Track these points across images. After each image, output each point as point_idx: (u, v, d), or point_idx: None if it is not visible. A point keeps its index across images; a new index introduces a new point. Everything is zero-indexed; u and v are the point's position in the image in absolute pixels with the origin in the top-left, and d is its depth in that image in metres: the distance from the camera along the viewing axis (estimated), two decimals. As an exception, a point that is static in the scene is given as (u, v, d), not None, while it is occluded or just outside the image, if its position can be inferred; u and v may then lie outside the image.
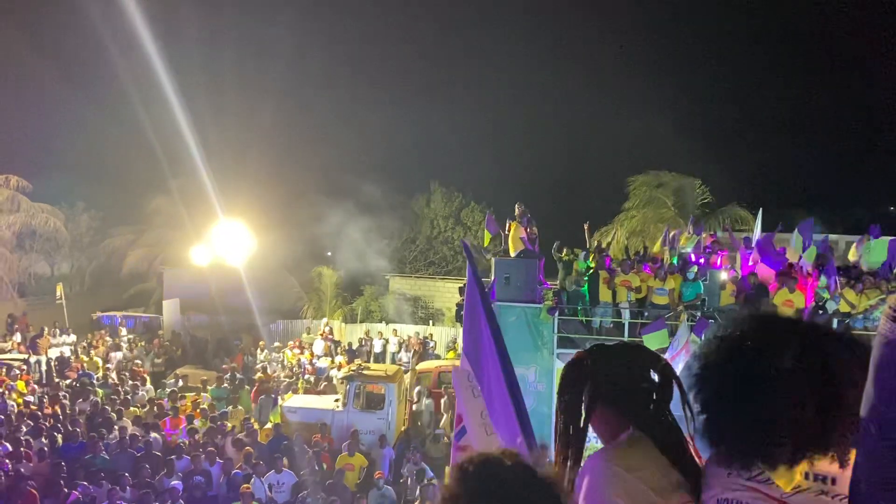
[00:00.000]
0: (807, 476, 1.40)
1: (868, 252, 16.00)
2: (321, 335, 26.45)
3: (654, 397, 1.97)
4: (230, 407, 18.30)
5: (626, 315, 14.88)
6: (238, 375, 21.78)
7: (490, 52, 42.44)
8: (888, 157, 35.20)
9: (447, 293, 31.42)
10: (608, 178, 32.21)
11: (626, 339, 14.65)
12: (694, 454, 1.95)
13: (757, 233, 18.08)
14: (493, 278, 15.00)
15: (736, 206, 28.08)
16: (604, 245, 25.77)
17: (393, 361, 24.97)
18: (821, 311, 14.64)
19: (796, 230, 16.13)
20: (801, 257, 15.94)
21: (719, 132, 38.87)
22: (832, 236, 19.23)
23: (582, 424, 2.02)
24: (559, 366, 14.67)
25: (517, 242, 15.22)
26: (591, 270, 15.74)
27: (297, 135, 33.92)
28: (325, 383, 20.85)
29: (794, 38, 40.50)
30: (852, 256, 16.57)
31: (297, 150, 32.80)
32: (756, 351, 1.43)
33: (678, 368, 2.09)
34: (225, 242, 28.65)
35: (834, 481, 1.38)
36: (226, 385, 20.23)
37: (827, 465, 1.39)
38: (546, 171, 36.89)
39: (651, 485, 1.79)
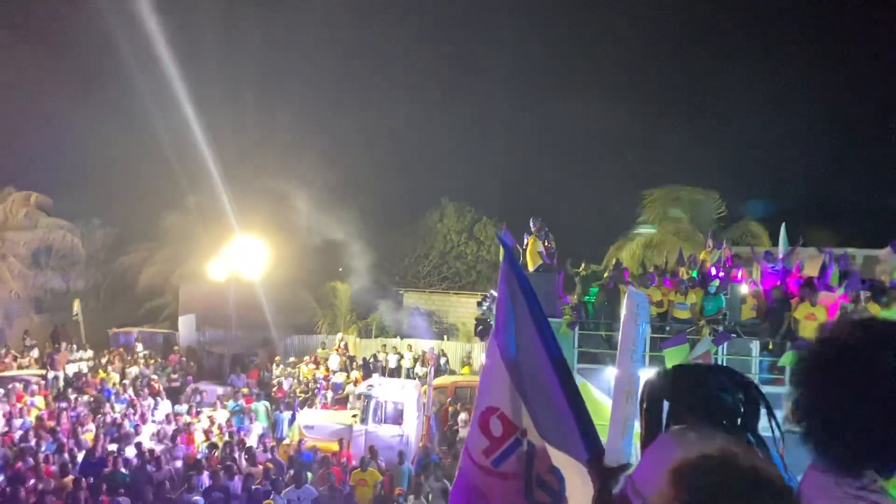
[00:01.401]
0: None
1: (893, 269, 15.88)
2: (336, 350, 26.44)
3: (739, 417, 1.97)
4: (247, 423, 18.27)
5: (647, 330, 14.75)
6: (255, 391, 21.77)
7: (501, 64, 42.55)
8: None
9: (461, 308, 31.38)
10: (623, 191, 32.15)
11: (647, 353, 14.55)
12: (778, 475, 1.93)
13: (782, 248, 17.94)
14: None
15: (750, 220, 27.96)
16: (619, 258, 25.70)
17: (408, 376, 24.91)
18: (844, 326, 14.50)
19: (817, 248, 16.00)
20: (822, 271, 15.82)
21: (734, 145, 38.74)
22: (850, 250, 19.05)
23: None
24: (580, 381, 14.58)
25: (535, 257, 15.17)
26: (606, 285, 15.68)
27: (312, 150, 34.03)
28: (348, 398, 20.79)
29: (812, 47, 40.42)
30: (882, 273, 16.41)
31: (312, 166, 32.87)
32: (867, 355, 1.38)
33: None
34: (241, 257, 28.73)
35: None
36: (242, 401, 20.21)
37: None
38: (560, 184, 36.85)
39: None
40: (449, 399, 20.88)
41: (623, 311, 3.21)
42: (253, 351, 27.54)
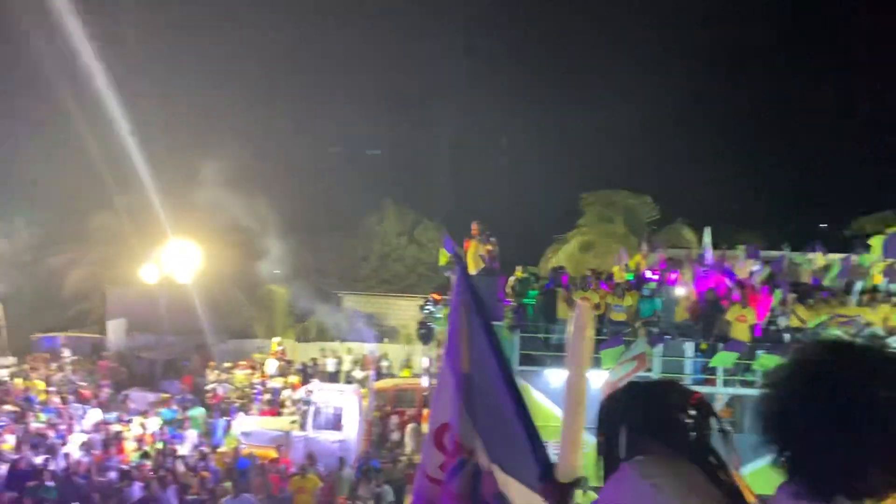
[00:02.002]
0: None
1: (827, 270, 16.60)
2: (273, 354, 25.98)
3: (694, 431, 1.97)
4: (181, 430, 17.78)
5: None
6: (188, 397, 21.19)
7: (444, 66, 42.63)
8: (828, 176, 36.62)
9: (401, 310, 31.29)
10: (562, 195, 32.66)
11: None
12: (742, 486, 1.96)
13: (707, 250, 18.53)
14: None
15: (681, 224, 28.77)
16: (557, 261, 26.09)
17: (348, 381, 24.67)
18: (772, 327, 15.06)
19: (746, 250, 16.58)
20: (751, 274, 16.41)
21: (667, 150, 39.80)
22: (776, 252, 19.81)
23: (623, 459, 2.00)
24: (521, 383, 14.71)
25: (477, 260, 15.25)
26: (549, 287, 15.90)
27: (247, 152, 33.35)
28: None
29: (743, 56, 41.90)
30: (806, 274, 17.09)
31: (247, 168, 32.23)
32: (844, 378, 1.40)
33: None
34: (173, 260, 27.92)
35: None
36: (175, 407, 19.64)
37: None
38: (500, 187, 37.12)
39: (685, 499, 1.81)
40: (389, 403, 20.78)
41: (570, 325, 3.23)
42: (186, 356, 26.80)
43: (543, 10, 44.43)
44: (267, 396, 22.42)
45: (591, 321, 2.87)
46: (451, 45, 42.53)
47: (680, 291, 15.93)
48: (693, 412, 2.00)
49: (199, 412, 19.51)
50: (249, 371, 24.66)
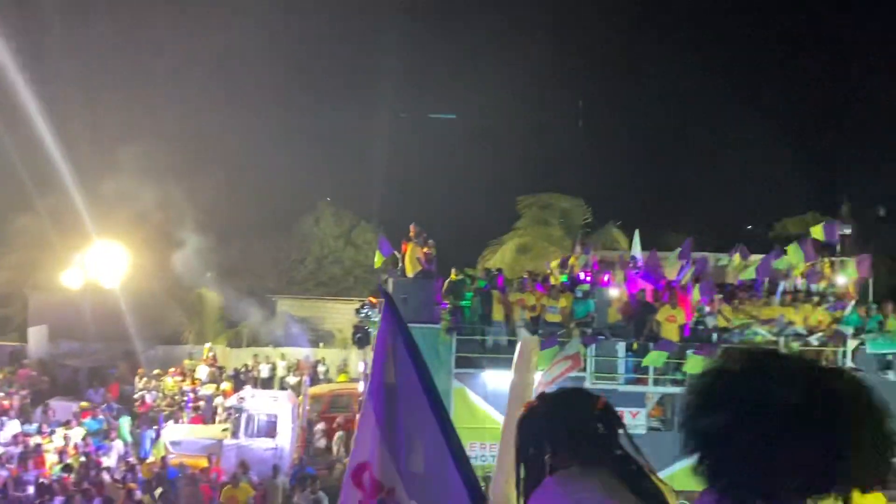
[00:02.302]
0: None
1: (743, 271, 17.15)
2: (204, 361, 25.33)
3: (604, 435, 2.00)
4: (107, 441, 17.13)
5: (521, 333, 15.11)
6: (115, 406, 20.45)
7: (378, 68, 42.44)
8: (754, 180, 38.01)
9: (337, 314, 30.94)
10: (498, 198, 32.94)
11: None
12: (659, 485, 1.97)
13: (637, 252, 18.95)
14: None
15: (612, 226, 29.42)
16: (494, 263, 26.28)
17: (282, 387, 24.25)
18: (700, 327, 15.50)
19: (678, 252, 17.00)
20: (679, 275, 16.86)
21: (600, 153, 40.62)
22: (702, 254, 20.42)
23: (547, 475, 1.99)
24: (457, 386, 14.73)
25: (414, 263, 15.20)
26: (484, 289, 15.96)
27: (176, 152, 32.43)
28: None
29: (670, 63, 43.06)
30: (731, 275, 17.64)
31: (177, 168, 31.34)
32: (763, 387, 1.41)
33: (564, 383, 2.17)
34: (98, 264, 26.93)
35: None
36: (101, 417, 18.92)
37: None
38: (438, 189, 37.14)
39: None
40: (325, 408, 20.52)
41: (515, 357, 3.20)
42: (112, 363, 25.85)
43: (474, 15, 44.78)
44: (198, 404, 21.83)
45: (535, 356, 2.84)
46: (393, 42, 42.35)
47: (612, 293, 16.24)
48: (603, 419, 2.02)
49: (125, 421, 18.84)
50: (179, 378, 23.96)
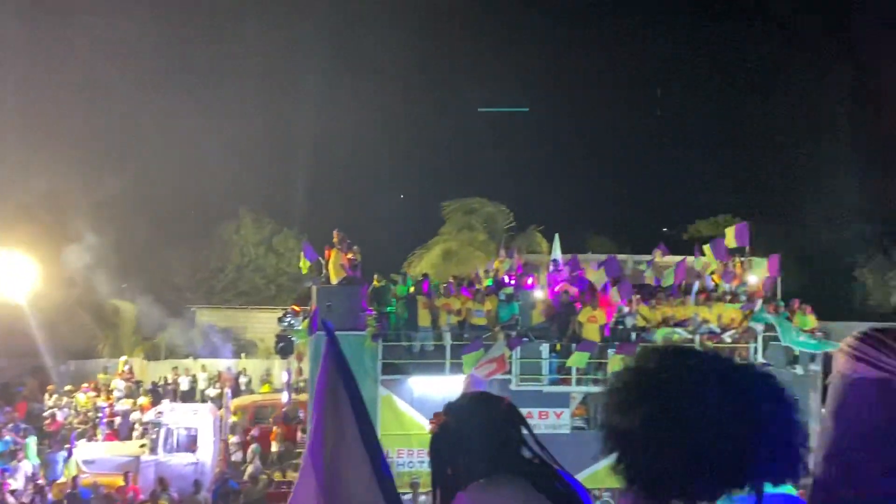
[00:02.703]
0: None
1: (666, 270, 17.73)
2: (120, 375, 24.33)
3: (513, 440, 1.99)
4: (14, 462, 16.21)
5: (447, 338, 15.17)
6: (22, 426, 19.38)
7: (301, 71, 41.81)
8: (669, 183, 39.38)
9: (260, 323, 30.29)
10: (423, 203, 32.99)
11: (448, 361, 14.95)
12: (569, 488, 1.99)
13: (558, 255, 19.32)
14: (314, 307, 14.68)
15: (535, 230, 29.92)
16: (419, 268, 26.28)
17: (203, 399, 23.55)
18: (620, 327, 15.92)
19: (596, 255, 17.41)
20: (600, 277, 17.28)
21: (520, 159, 41.25)
22: (621, 256, 20.99)
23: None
24: (384, 393, 14.64)
25: (339, 269, 15.03)
26: (410, 295, 15.95)
27: (88, 155, 31.12)
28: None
29: (589, 63, 44.11)
30: (650, 277, 18.17)
31: (90, 174, 30.06)
32: (676, 385, 1.43)
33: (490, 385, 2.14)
34: (2, 276, 25.49)
35: None
36: (7, 437, 17.90)
37: (746, 500, 1.41)
38: (361, 195, 36.93)
39: None
40: (249, 420, 20.03)
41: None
42: (20, 380, 24.50)
43: (391, 19, 44.74)
44: (113, 420, 20.94)
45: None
46: (313, 44, 41.84)
47: (536, 295, 16.49)
48: (510, 422, 2.01)
49: (32, 441, 17.88)
50: (93, 394, 22.95)
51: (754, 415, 1.38)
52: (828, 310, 18.25)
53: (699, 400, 1.39)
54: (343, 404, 2.63)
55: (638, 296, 16.53)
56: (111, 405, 22.04)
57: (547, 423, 14.87)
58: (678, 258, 17.98)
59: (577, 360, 15.06)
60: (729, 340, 15.75)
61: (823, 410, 1.42)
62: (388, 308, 15.70)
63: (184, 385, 24.39)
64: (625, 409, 1.46)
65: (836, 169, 33.12)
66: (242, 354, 28.64)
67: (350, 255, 15.33)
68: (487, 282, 17.32)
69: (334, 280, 15.11)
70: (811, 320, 16.66)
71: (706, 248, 17.65)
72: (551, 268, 17.95)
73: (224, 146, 38.31)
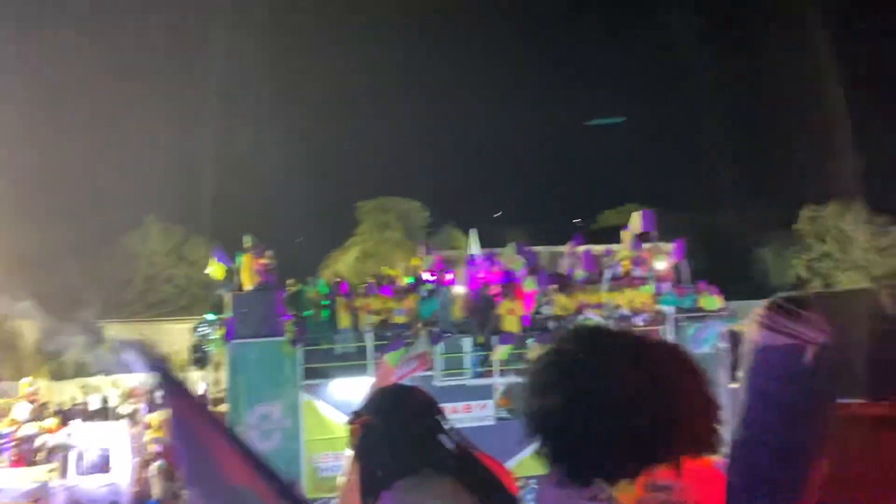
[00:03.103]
0: (647, 488, 1.44)
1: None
2: (24, 397, 23.01)
3: (436, 431, 1.97)
4: None
5: (369, 338, 15.06)
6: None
7: (210, 75, 40.61)
8: (578, 176, 40.44)
9: (173, 335, 29.24)
10: (341, 203, 32.63)
11: (370, 362, 14.85)
12: (504, 479, 1.99)
13: (475, 250, 19.50)
14: (230, 315, 14.28)
15: (452, 226, 30.14)
16: (337, 270, 26.00)
17: (115, 418, 22.58)
18: (538, 316, 16.21)
19: (513, 248, 17.65)
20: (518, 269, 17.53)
21: (436, 156, 41.43)
22: (537, 248, 21.37)
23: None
24: (305, 398, 14.40)
25: (252, 275, 14.67)
26: (327, 297, 15.74)
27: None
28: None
29: (502, 61, 44.73)
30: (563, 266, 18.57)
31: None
32: (592, 365, 1.44)
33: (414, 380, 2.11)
34: None
35: (673, 490, 1.43)
36: None
37: (666, 475, 1.43)
38: (275, 199, 36.16)
39: None
40: (166, 436, 19.29)
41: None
42: None
43: (301, 20, 44.09)
44: (18, 446, 19.77)
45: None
46: (223, 48, 40.64)
47: (456, 290, 16.58)
48: (429, 413, 1.98)
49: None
50: (-5, 419, 21.61)
51: (669, 389, 1.41)
52: (733, 290, 19.11)
53: (615, 377, 1.41)
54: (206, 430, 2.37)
55: (555, 285, 16.88)
56: (14, 430, 20.81)
57: (472, 416, 14.99)
58: (596, 247, 18.46)
59: (501, 353, 15.26)
60: (641, 324, 16.29)
61: (738, 380, 1.47)
62: (306, 312, 15.42)
63: (94, 404, 23.35)
64: (544, 391, 1.46)
65: (734, 155, 34.78)
66: (156, 368, 27.58)
67: (264, 260, 14.98)
68: (407, 279, 17.30)
69: (248, 286, 14.74)
70: (717, 300, 17.43)
71: (624, 233, 18.15)
72: (470, 263, 18.09)
73: (127, 152, 36.83)
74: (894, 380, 1.39)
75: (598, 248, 18.93)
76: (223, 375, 18.28)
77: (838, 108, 26.10)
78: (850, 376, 1.37)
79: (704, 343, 16.24)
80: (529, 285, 16.24)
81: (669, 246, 18.80)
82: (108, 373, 26.15)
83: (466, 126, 43.82)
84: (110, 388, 24.24)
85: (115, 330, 29.86)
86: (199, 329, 15.54)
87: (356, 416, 2.02)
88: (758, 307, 1.43)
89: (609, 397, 1.39)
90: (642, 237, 18.61)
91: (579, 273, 17.42)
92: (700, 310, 17.22)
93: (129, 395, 23.74)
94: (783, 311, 1.39)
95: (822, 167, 28.48)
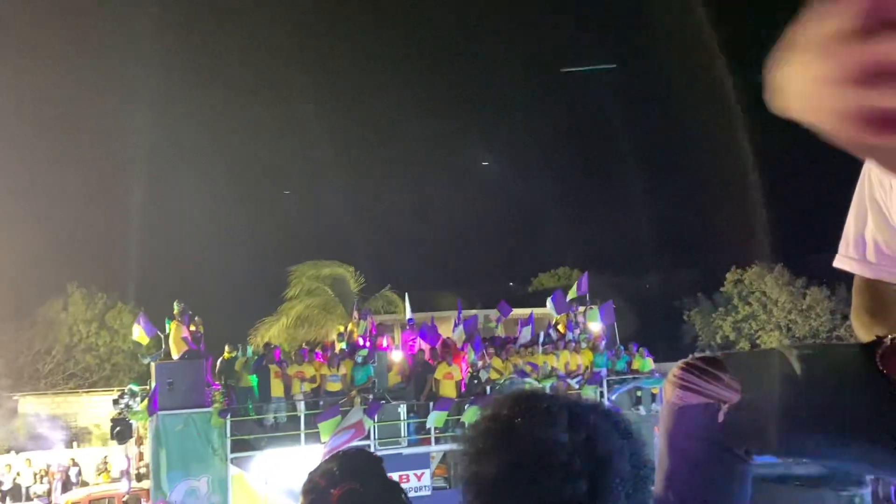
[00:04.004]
0: None
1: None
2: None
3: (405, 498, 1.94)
4: None
5: (301, 407, 14.65)
6: None
7: (131, 132, 39.94)
8: (513, 238, 41.15)
9: (93, 408, 27.88)
10: (269, 268, 32.18)
11: (302, 431, 14.40)
12: None
13: (408, 313, 19.43)
14: (154, 385, 13.68)
15: (387, 290, 30.04)
16: (269, 337, 25.42)
17: (28, 497, 21.16)
18: (476, 381, 16.12)
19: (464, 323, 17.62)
20: (453, 334, 17.51)
21: (369, 221, 41.56)
22: (471, 311, 21.48)
23: None
24: (235, 472, 13.80)
25: (179, 343, 14.17)
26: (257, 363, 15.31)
27: None
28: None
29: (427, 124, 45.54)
30: (501, 330, 18.65)
31: None
32: (529, 428, 1.43)
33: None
34: None
35: None
36: None
37: None
38: (202, 264, 35.42)
39: None
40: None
41: None
42: None
43: (233, 76, 44.17)
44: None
45: None
46: (137, 108, 40.14)
47: (392, 356, 16.39)
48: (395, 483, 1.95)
49: None
50: None
51: (603, 451, 1.41)
52: (662, 351, 19.54)
53: (551, 441, 1.40)
54: None
55: (491, 349, 16.88)
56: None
57: (408, 485, 14.61)
58: (524, 311, 18.62)
59: (437, 419, 15.03)
60: (576, 386, 16.38)
61: (656, 438, 1.49)
62: (252, 380, 14.84)
63: (6, 483, 21.87)
64: (481, 457, 1.44)
65: (662, 219, 36.08)
66: (74, 443, 26.15)
67: (192, 327, 14.52)
68: (341, 345, 17.02)
69: (175, 355, 14.21)
70: (649, 362, 17.75)
71: (548, 301, 18.40)
72: (406, 327, 17.98)
73: (49, 215, 35.63)
74: (803, 438, 1.46)
75: (522, 312, 19.12)
76: (147, 449, 17.43)
77: (760, 172, 27.52)
78: (761, 435, 1.42)
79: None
80: (468, 350, 16.20)
81: (596, 308, 19.10)
82: (21, 450, 24.64)
83: (401, 189, 44.31)
84: (24, 465, 22.76)
85: (31, 403, 28.29)
86: (122, 400, 14.81)
87: (331, 483, 1.93)
88: (674, 367, 1.47)
89: (544, 461, 1.38)
90: (576, 300, 18.91)
91: (522, 341, 17.41)
92: (633, 371, 17.49)
93: (44, 474, 22.34)
94: (697, 370, 1.43)
95: (746, 231, 29.79)
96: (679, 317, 34.80)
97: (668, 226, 36.39)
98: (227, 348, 15.44)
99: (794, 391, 1.43)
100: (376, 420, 15.02)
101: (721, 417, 1.39)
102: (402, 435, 15.42)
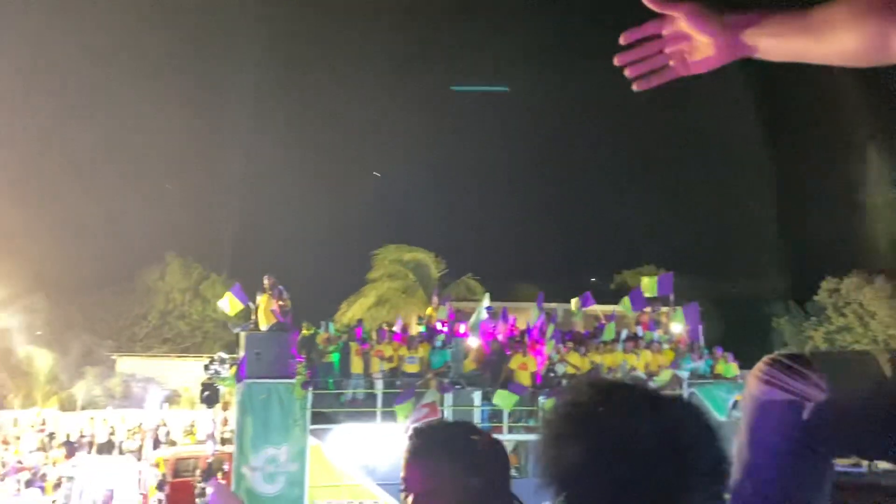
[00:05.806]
0: None
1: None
2: (32, 427, 23.05)
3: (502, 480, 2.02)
4: None
5: (378, 385, 15.00)
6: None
7: (234, 113, 41.45)
8: (597, 235, 40.54)
9: (184, 372, 29.28)
10: (354, 250, 32.91)
11: (379, 409, 14.76)
12: None
13: (486, 302, 19.49)
14: (243, 354, 14.30)
15: (468, 279, 30.22)
16: (350, 315, 26.04)
17: (121, 451, 22.50)
18: (551, 374, 16.08)
19: (537, 304, 17.60)
20: (528, 324, 17.48)
21: (454, 210, 41.79)
22: (551, 304, 21.33)
23: None
24: (313, 443, 14.28)
25: (269, 315, 14.73)
26: (341, 341, 15.73)
27: (5, 190, 29.83)
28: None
29: (532, 119, 45.27)
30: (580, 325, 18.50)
31: (5, 212, 28.78)
32: (611, 415, 1.47)
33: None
34: None
35: None
36: None
37: None
38: (292, 241, 36.50)
39: None
40: (170, 474, 19.15)
41: None
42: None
43: (328, 66, 45.09)
44: (24, 475, 19.71)
45: None
46: (231, 88, 41.59)
47: (468, 342, 16.53)
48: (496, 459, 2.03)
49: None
50: (2, 447, 21.62)
51: (683, 444, 1.44)
52: (749, 358, 18.91)
53: (632, 428, 1.44)
54: None
55: (570, 343, 16.77)
56: (21, 459, 20.79)
57: (479, 472, 14.72)
58: (607, 308, 18.37)
59: (504, 399, 14.98)
60: (656, 387, 16.09)
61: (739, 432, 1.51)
62: (334, 356, 15.30)
63: (101, 437, 23.29)
64: (560, 441, 1.49)
65: (758, 223, 34.74)
66: (165, 404, 27.58)
67: (280, 302, 15.06)
68: (420, 328, 17.28)
69: (264, 326, 14.79)
70: (734, 368, 17.22)
71: (625, 299, 18.09)
72: (484, 315, 18.06)
73: (151, 187, 37.46)
74: (889, 443, 1.44)
75: (604, 309, 18.84)
76: (232, 415, 18.23)
77: (866, 181, 26.15)
78: (846, 435, 1.42)
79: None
80: (547, 343, 16.15)
81: (681, 310, 18.63)
82: (116, 406, 26.15)
83: (487, 180, 44.26)
84: (119, 422, 24.17)
85: (127, 363, 29.99)
86: (211, 366, 15.53)
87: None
88: (759, 362, 1.47)
89: (626, 448, 1.42)
90: (658, 299, 18.51)
91: (607, 338, 17.18)
92: (716, 376, 17.02)
93: (136, 431, 23.66)
94: (783, 367, 1.44)
95: (845, 238, 28.37)
96: (767, 323, 33.48)
97: (762, 228, 34.99)
98: (304, 325, 15.91)
99: (883, 394, 1.42)
100: (450, 405, 15.21)
101: (805, 415, 1.40)
102: (476, 422, 15.54)
